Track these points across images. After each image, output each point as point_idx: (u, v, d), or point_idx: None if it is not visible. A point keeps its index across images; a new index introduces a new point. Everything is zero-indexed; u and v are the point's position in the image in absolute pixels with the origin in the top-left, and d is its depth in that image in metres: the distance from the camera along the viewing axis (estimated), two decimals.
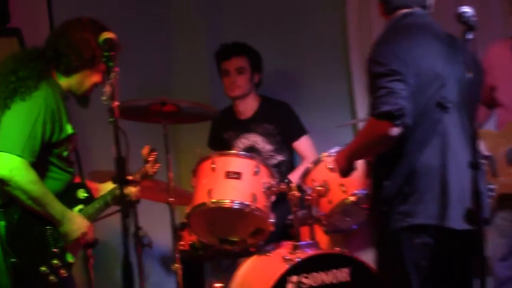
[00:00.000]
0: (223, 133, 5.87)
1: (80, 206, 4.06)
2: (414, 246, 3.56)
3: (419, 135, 3.55)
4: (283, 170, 5.68)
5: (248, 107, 5.83)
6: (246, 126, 5.81)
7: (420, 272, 3.59)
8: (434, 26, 3.75)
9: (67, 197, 4.00)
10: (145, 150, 4.51)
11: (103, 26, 3.97)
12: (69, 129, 3.97)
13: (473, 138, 3.27)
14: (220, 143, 5.85)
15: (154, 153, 4.53)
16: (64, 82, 4.00)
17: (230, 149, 5.68)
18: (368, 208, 3.85)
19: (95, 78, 4.02)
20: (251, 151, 5.60)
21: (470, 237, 3.57)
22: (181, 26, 6.49)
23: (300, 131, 5.78)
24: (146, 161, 4.48)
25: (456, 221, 3.54)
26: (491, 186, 4.48)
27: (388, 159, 3.58)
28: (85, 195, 4.10)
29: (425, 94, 3.53)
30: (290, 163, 5.78)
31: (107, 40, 3.61)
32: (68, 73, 3.99)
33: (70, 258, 3.98)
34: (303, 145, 5.73)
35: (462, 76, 3.53)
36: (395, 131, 3.46)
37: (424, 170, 3.55)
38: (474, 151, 3.26)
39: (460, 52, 3.59)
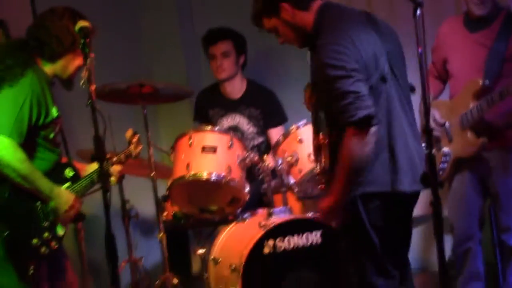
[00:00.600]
0: (208, 110, 5.86)
1: (68, 184, 4.06)
2: (369, 210, 3.56)
3: None
4: (262, 149, 5.70)
5: (236, 88, 5.82)
6: (233, 107, 5.81)
7: (379, 232, 3.61)
8: (351, 10, 3.72)
9: (55, 175, 4.00)
10: (128, 133, 4.55)
11: (78, 13, 3.98)
12: (54, 112, 3.98)
13: (426, 107, 3.29)
14: (205, 119, 5.86)
15: (137, 135, 4.57)
16: (49, 68, 4.01)
17: (214, 125, 5.67)
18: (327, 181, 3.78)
19: (78, 61, 4.01)
20: (235, 130, 5.60)
21: (415, 198, 3.69)
22: (154, 8, 6.46)
23: (280, 120, 5.79)
24: (130, 143, 4.52)
25: (406, 185, 3.57)
26: (447, 151, 4.55)
27: (340, 133, 3.48)
28: (72, 173, 4.11)
29: (372, 74, 3.47)
30: (269, 144, 5.79)
31: (82, 28, 3.63)
32: (52, 59, 3.99)
33: (60, 231, 3.99)
34: (275, 133, 5.72)
35: (391, 49, 3.59)
36: (374, 131, 3.41)
37: None
38: (427, 118, 3.29)
39: (379, 25, 3.64)
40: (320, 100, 3.71)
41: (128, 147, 4.51)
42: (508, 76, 4.45)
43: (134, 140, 4.53)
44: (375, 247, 3.63)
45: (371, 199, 3.57)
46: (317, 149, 3.87)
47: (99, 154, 3.44)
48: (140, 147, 4.57)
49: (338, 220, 3.69)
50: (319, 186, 4.28)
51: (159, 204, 5.07)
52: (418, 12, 3.23)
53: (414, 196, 3.70)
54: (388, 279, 3.70)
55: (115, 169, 4.33)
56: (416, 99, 3.73)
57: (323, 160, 3.83)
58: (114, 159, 4.38)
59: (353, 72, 3.41)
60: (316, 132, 3.84)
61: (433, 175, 3.24)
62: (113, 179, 4.29)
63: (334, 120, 3.52)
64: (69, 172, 4.09)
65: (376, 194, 3.56)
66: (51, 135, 4.00)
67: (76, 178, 4.10)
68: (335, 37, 3.47)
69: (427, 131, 3.24)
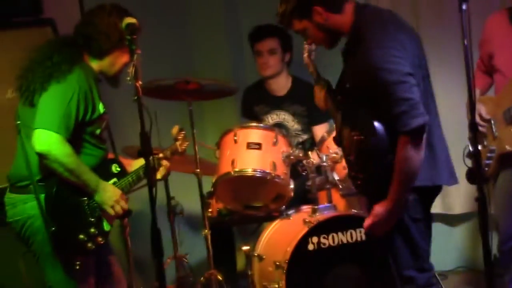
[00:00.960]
0: (254, 106, 5.86)
1: (114, 180, 4.09)
2: (409, 203, 3.56)
3: None
4: (306, 147, 5.68)
5: (281, 85, 5.81)
6: (278, 104, 5.80)
7: (417, 225, 3.64)
8: (384, 11, 3.75)
9: (102, 171, 4.02)
10: (174, 130, 4.58)
11: (125, 10, 4.01)
12: (101, 108, 4.01)
13: (472, 102, 3.27)
14: (251, 116, 5.86)
15: (183, 132, 4.59)
16: (97, 64, 4.04)
17: (259, 122, 5.68)
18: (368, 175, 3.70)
19: (125, 58, 4.04)
20: (280, 127, 5.59)
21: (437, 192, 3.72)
22: (201, 5, 6.46)
23: (324, 118, 5.71)
24: (176, 139, 4.55)
25: (445, 179, 3.63)
26: (492, 148, 4.50)
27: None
28: (118, 169, 4.13)
29: (418, 75, 3.49)
30: (313, 141, 5.77)
31: (129, 25, 3.64)
32: (100, 56, 4.03)
33: (106, 227, 4.02)
34: (320, 130, 5.70)
35: (419, 51, 3.59)
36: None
37: None
38: (473, 114, 3.27)
39: (405, 24, 3.64)
40: (361, 99, 3.63)
41: (174, 143, 4.53)
42: None
43: (180, 136, 4.56)
44: (413, 240, 3.64)
45: (411, 193, 3.56)
46: (351, 144, 3.78)
47: (145, 150, 3.46)
48: (186, 144, 4.59)
49: (388, 227, 3.64)
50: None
51: (204, 201, 5.10)
52: (464, 7, 3.21)
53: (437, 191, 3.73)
54: (424, 272, 3.71)
55: (161, 164, 4.36)
56: (461, 95, 3.71)
57: (351, 157, 3.80)
58: (160, 155, 4.40)
59: (408, 77, 3.40)
60: (353, 128, 3.74)
61: (479, 171, 3.22)
62: (158, 175, 4.31)
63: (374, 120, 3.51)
64: (115, 168, 4.12)
65: (416, 188, 3.55)
66: (98, 131, 4.03)
67: (122, 174, 4.13)
68: (384, 41, 3.45)
69: (473, 127, 3.23)
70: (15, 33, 4.96)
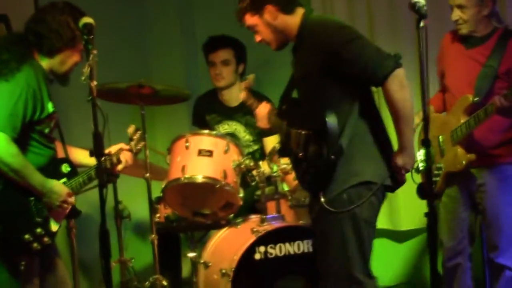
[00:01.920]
0: (206, 115, 5.84)
1: (64, 179, 4.04)
2: (370, 204, 3.64)
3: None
4: (256, 157, 5.67)
5: (233, 96, 5.78)
6: (230, 114, 5.79)
7: (369, 227, 3.70)
8: None
9: (51, 171, 3.98)
10: (131, 129, 4.54)
11: (78, 9, 3.99)
12: (50, 107, 3.95)
13: (426, 118, 3.29)
14: (203, 124, 5.83)
15: (139, 132, 4.55)
16: (47, 63, 3.99)
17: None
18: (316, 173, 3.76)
19: (75, 57, 4.01)
20: (232, 137, 5.57)
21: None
22: (157, 12, 6.47)
23: None
24: (131, 139, 4.50)
25: (390, 180, 3.69)
26: (439, 165, 4.55)
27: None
28: (69, 169, 4.08)
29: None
30: (263, 152, 5.77)
31: (86, 24, 3.60)
32: (50, 54, 3.97)
33: (53, 227, 3.97)
34: (271, 141, 5.63)
35: None
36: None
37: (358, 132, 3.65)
38: (426, 130, 3.28)
39: None
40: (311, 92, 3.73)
41: (129, 143, 4.48)
42: (499, 93, 4.42)
43: (136, 136, 4.51)
44: (364, 244, 3.67)
45: (364, 191, 3.63)
46: (299, 142, 3.82)
47: (98, 150, 3.42)
48: (141, 144, 4.56)
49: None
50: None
51: (153, 206, 5.05)
52: (422, 24, 3.23)
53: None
54: (372, 278, 3.75)
55: (121, 160, 4.30)
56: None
57: (301, 154, 3.82)
58: (126, 146, 4.36)
59: (360, 35, 3.58)
60: (301, 126, 3.81)
61: (430, 187, 3.24)
62: (120, 166, 4.27)
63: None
64: (65, 168, 4.07)
65: (371, 184, 3.62)
66: (46, 130, 3.97)
67: (72, 173, 4.08)
68: (333, 21, 3.72)
69: (426, 143, 3.24)
70: None
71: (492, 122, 4.42)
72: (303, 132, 3.71)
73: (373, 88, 3.71)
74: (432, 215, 3.24)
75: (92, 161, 3.91)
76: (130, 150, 4.42)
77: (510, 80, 4.48)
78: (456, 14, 4.53)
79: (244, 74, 5.78)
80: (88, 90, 3.51)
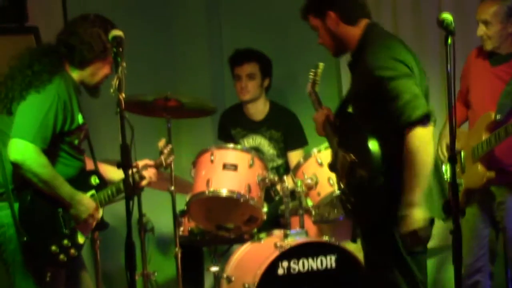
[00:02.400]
0: (231, 129, 5.86)
1: (92, 192, 4.05)
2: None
3: None
4: (280, 172, 5.68)
5: (258, 110, 5.81)
6: (255, 128, 5.81)
7: (412, 255, 3.59)
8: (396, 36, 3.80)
9: (80, 182, 4.00)
10: (161, 143, 4.57)
11: (109, 21, 4.01)
12: (80, 119, 3.98)
13: (452, 135, 3.27)
14: (228, 138, 5.85)
15: (169, 146, 4.56)
16: (78, 74, 4.02)
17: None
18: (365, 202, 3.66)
19: (106, 69, 4.04)
20: (256, 151, 5.58)
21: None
22: (185, 24, 6.49)
23: (300, 144, 5.78)
24: (161, 153, 4.52)
25: (437, 212, 3.57)
26: (459, 182, 4.53)
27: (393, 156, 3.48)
28: (97, 181, 4.09)
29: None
30: (287, 166, 5.77)
31: (115, 37, 3.61)
32: (82, 66, 4.00)
33: (80, 239, 3.99)
34: (295, 156, 5.71)
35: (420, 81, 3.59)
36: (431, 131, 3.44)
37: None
38: (453, 146, 3.26)
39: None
40: (362, 110, 3.65)
41: (160, 157, 4.49)
42: None
43: (166, 150, 4.52)
44: (410, 272, 3.60)
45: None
46: (343, 166, 3.76)
47: (125, 162, 3.42)
48: (172, 158, 4.58)
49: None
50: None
51: (177, 219, 5.06)
52: (450, 40, 3.22)
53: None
54: None
55: (144, 176, 4.30)
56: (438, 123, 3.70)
57: (343, 181, 3.78)
58: (149, 163, 4.36)
59: (408, 76, 3.44)
60: (347, 150, 3.73)
61: (456, 203, 3.22)
62: (144, 182, 4.28)
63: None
64: (94, 180, 4.08)
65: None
66: (76, 142, 4.00)
67: (101, 186, 4.10)
68: (388, 46, 3.52)
69: (453, 159, 3.22)
70: None
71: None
72: (348, 159, 3.65)
73: None
74: (457, 232, 3.21)
75: (119, 175, 3.96)
76: (157, 165, 4.42)
77: None
78: (481, 29, 4.54)
79: (269, 88, 5.78)
80: (116, 102, 3.51)
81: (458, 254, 3.23)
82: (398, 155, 3.46)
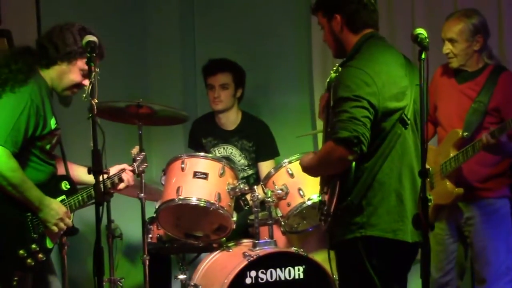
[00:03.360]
0: (202, 138, 5.84)
1: (63, 197, 4.03)
2: (371, 253, 3.53)
3: (382, 149, 3.51)
4: (251, 182, 5.68)
5: (230, 120, 5.80)
6: (226, 138, 5.79)
7: (380, 275, 3.56)
8: (393, 49, 3.73)
9: (50, 187, 3.99)
10: (135, 150, 4.57)
11: (88, 29, 3.99)
12: (52, 124, 3.96)
13: (423, 149, 3.29)
14: (199, 147, 5.83)
15: (143, 153, 4.56)
16: (46, 76, 3.99)
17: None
18: (325, 215, 3.69)
19: (73, 75, 4.00)
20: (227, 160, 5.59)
21: (417, 248, 3.58)
22: (159, 33, 6.53)
23: (271, 155, 5.79)
24: (134, 160, 4.51)
25: (409, 235, 3.55)
26: (429, 197, 4.54)
27: (352, 172, 3.50)
28: (68, 187, 4.06)
29: (392, 113, 3.46)
30: (258, 176, 5.78)
31: (89, 42, 3.63)
32: (47, 65, 3.98)
33: (49, 244, 3.97)
34: (266, 166, 5.71)
35: (416, 97, 3.57)
36: (351, 157, 3.42)
37: (380, 185, 3.51)
38: (424, 161, 3.28)
39: (415, 74, 3.58)
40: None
41: (133, 164, 4.47)
42: (489, 128, 4.45)
43: (140, 158, 4.53)
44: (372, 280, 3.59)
45: (373, 243, 3.54)
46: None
47: (96, 168, 3.40)
48: (145, 165, 4.59)
49: None
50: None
51: (145, 226, 5.04)
52: (423, 55, 3.24)
53: (416, 247, 3.62)
54: None
55: (123, 179, 4.29)
56: None
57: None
58: (129, 168, 4.35)
59: (360, 99, 3.42)
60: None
61: (425, 217, 3.23)
62: (122, 185, 4.28)
63: None
64: (65, 185, 4.06)
65: (376, 238, 3.52)
66: (48, 147, 3.98)
67: (72, 191, 4.08)
68: (363, 65, 3.50)
69: (423, 173, 3.24)
70: None
71: (481, 157, 4.46)
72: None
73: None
74: (426, 247, 3.22)
75: (92, 178, 3.93)
76: (133, 171, 4.40)
77: (500, 116, 4.52)
78: (447, 47, 4.58)
79: (242, 99, 5.78)
80: (87, 108, 3.53)
81: (426, 268, 3.25)
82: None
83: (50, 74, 3.99)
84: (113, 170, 4.29)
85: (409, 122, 3.58)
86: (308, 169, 3.79)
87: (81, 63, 3.96)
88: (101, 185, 3.48)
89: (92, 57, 3.57)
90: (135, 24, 6.36)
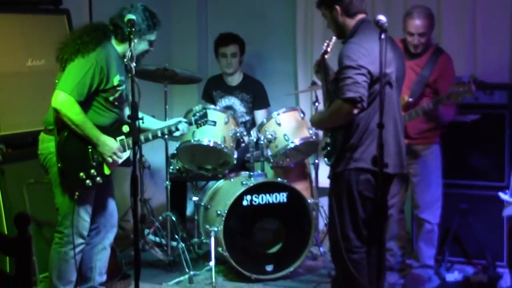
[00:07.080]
0: (212, 91, 5.82)
1: (122, 137, 4.02)
2: (359, 181, 3.58)
3: (374, 105, 3.50)
4: (248, 126, 5.68)
5: (235, 78, 5.74)
6: (231, 91, 5.73)
7: (362, 199, 3.61)
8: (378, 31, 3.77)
9: (113, 129, 4.00)
10: (197, 107, 4.50)
11: (149, 9, 4.00)
12: (115, 81, 3.93)
13: (381, 109, 3.27)
14: (209, 98, 5.82)
15: (204, 110, 4.47)
16: (119, 47, 3.99)
17: (215, 104, 5.70)
18: (330, 153, 3.76)
19: (142, 45, 4.00)
20: (230, 109, 5.56)
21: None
22: (180, 12, 6.38)
23: (264, 105, 5.75)
24: (194, 114, 4.44)
25: (391, 168, 3.57)
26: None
27: (355, 122, 3.57)
28: (128, 130, 4.02)
29: (382, 79, 3.36)
30: (253, 122, 5.77)
31: (130, 19, 3.64)
32: (122, 40, 3.96)
33: (106, 171, 3.97)
34: (260, 114, 5.70)
35: (398, 64, 3.70)
36: (355, 112, 3.47)
37: (370, 131, 3.54)
38: (381, 116, 3.28)
39: (397, 48, 3.77)
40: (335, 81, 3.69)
41: (191, 117, 4.41)
42: (428, 97, 4.47)
43: (199, 114, 4.44)
44: (357, 212, 3.62)
45: (362, 173, 3.57)
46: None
47: (134, 115, 3.43)
48: (204, 119, 4.45)
49: None
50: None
51: (168, 160, 5.07)
52: (383, 36, 3.26)
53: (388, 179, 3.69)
54: (362, 236, 3.67)
55: (182, 126, 4.25)
56: None
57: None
58: (183, 120, 4.30)
59: (361, 67, 3.47)
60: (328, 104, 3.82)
61: (381, 159, 3.27)
62: (177, 133, 4.25)
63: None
64: (125, 128, 4.03)
65: (366, 169, 3.55)
66: (111, 98, 3.96)
67: (130, 133, 4.01)
68: (361, 40, 3.55)
69: (380, 125, 3.27)
70: (38, 18, 4.81)
71: (420, 118, 4.47)
72: None
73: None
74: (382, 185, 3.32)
75: (152, 125, 4.10)
76: (189, 123, 4.35)
77: (436, 86, 4.52)
78: (418, 39, 4.49)
79: (242, 62, 5.79)
80: (128, 69, 3.58)
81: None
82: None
83: (124, 46, 3.94)
84: (172, 121, 4.29)
85: (393, 84, 3.66)
86: (321, 123, 3.83)
87: (148, 36, 3.98)
88: (137, 125, 3.47)
89: (131, 31, 3.58)
90: (161, 5, 6.31)
